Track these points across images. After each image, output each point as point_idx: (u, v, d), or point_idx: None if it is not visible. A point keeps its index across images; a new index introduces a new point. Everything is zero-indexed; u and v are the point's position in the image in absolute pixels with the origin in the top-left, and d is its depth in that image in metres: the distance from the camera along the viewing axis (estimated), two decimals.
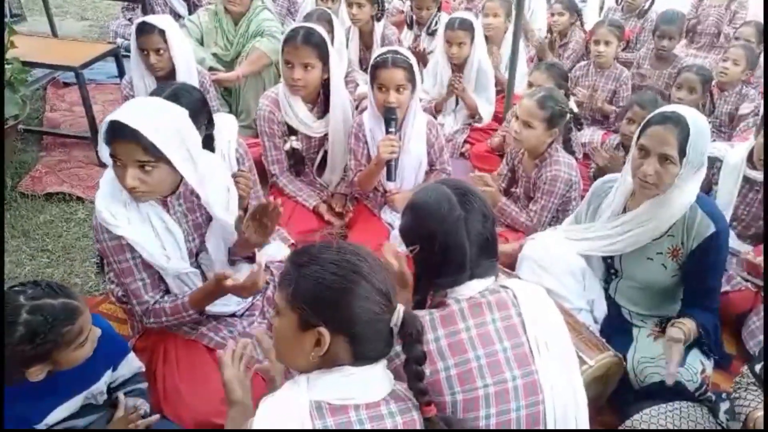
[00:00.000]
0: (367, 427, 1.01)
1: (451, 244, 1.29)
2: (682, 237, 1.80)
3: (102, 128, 1.54)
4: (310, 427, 0.98)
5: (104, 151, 1.57)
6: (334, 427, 0.99)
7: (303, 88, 2.48)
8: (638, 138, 1.77)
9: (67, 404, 1.46)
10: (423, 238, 1.31)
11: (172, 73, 2.60)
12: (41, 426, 1.43)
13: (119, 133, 1.50)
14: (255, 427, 1.01)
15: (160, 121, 1.53)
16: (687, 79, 3.00)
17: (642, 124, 1.78)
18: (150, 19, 2.55)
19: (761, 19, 3.99)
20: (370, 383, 1.06)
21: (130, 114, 1.51)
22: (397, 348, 1.12)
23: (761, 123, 2.21)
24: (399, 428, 1.04)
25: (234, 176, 1.97)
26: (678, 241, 1.81)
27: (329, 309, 1.04)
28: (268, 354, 1.34)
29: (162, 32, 2.51)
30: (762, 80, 3.46)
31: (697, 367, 1.73)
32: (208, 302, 1.73)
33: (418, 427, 1.06)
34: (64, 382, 1.42)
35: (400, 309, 1.07)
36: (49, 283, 1.34)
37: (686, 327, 1.72)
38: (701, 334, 1.75)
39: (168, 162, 1.55)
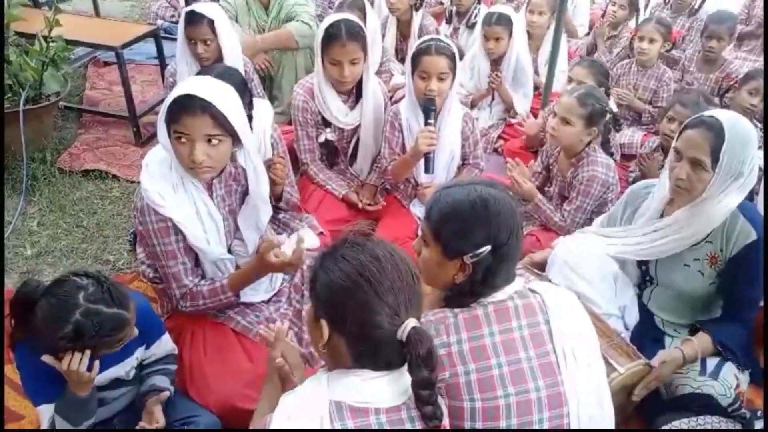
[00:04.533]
0: None
1: (512, 243, 1.25)
2: (720, 243, 1.74)
3: (165, 106, 1.55)
4: (329, 426, 0.98)
5: (163, 131, 1.58)
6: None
7: (351, 82, 2.47)
8: (676, 140, 1.73)
9: (98, 378, 1.49)
10: (489, 237, 1.23)
11: (218, 62, 2.57)
12: None
13: (189, 107, 1.51)
14: (275, 422, 1.02)
15: (227, 96, 1.57)
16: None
17: (681, 127, 1.74)
18: (199, 8, 2.51)
19: None
20: (389, 388, 1.04)
21: (199, 87, 1.54)
22: None
23: None
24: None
25: (270, 162, 1.98)
26: (717, 247, 1.75)
27: (330, 305, 1.05)
28: (278, 349, 1.35)
29: (211, 22, 2.48)
30: None
31: (731, 382, 1.67)
32: (248, 282, 1.75)
33: None
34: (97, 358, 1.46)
35: (408, 325, 1.02)
36: (110, 287, 1.37)
37: (687, 349, 1.68)
38: (719, 351, 1.70)
39: (231, 137, 1.58)
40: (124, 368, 1.55)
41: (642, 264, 1.92)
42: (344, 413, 1.00)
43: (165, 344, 1.67)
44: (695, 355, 1.69)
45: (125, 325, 1.38)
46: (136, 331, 1.45)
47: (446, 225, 1.26)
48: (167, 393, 1.59)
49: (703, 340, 1.72)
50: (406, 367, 1.05)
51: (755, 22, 4.47)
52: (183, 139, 1.54)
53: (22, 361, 1.46)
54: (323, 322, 1.05)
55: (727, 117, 1.65)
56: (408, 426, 1.02)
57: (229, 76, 2.00)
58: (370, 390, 1.03)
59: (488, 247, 1.23)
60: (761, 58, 4.32)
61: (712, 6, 4.03)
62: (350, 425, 0.99)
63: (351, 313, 1.02)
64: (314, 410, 1.00)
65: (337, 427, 0.98)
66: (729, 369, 1.71)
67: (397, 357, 1.04)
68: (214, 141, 1.55)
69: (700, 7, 4.23)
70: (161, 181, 1.63)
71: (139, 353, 1.59)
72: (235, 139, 1.62)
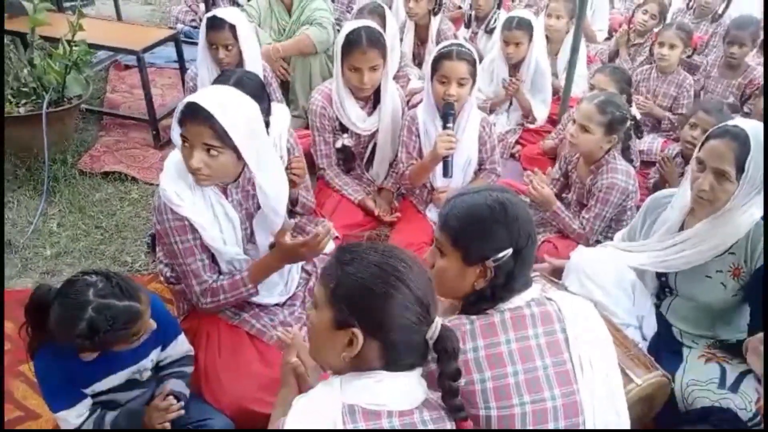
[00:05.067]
0: None
1: (530, 247, 1.25)
2: (744, 255, 1.70)
3: (178, 109, 1.59)
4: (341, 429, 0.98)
5: (175, 132, 1.63)
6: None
7: (370, 89, 2.48)
8: (698, 150, 1.70)
9: (113, 377, 1.52)
10: (511, 240, 1.23)
11: (239, 67, 2.59)
12: (87, 391, 1.50)
13: (193, 114, 1.55)
14: (287, 426, 1.01)
15: (234, 109, 1.58)
16: None
17: (704, 137, 1.71)
18: (220, 13, 2.54)
19: None
20: (403, 391, 1.04)
21: (207, 98, 1.56)
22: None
23: None
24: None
25: (289, 162, 2.01)
26: (740, 259, 1.71)
27: (366, 311, 1.03)
28: (292, 353, 1.36)
29: (232, 27, 2.51)
30: None
31: (752, 396, 1.63)
32: (268, 272, 1.77)
33: None
34: (114, 356, 1.48)
35: (438, 323, 1.04)
36: (119, 282, 1.38)
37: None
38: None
39: (234, 150, 1.60)
40: (139, 369, 1.56)
41: (661, 275, 1.89)
42: (357, 416, 1.00)
43: (181, 345, 1.68)
44: None
45: (138, 317, 1.38)
46: (153, 324, 1.45)
47: (466, 230, 1.25)
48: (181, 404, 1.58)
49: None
50: (419, 370, 1.06)
51: None
52: (186, 144, 1.58)
53: (42, 368, 1.47)
54: (356, 330, 1.02)
55: (751, 126, 1.62)
56: (421, 429, 1.02)
57: (248, 80, 2.03)
58: (384, 392, 1.03)
59: (510, 250, 1.22)
60: None
61: (737, 11, 3.95)
62: (362, 426, 0.99)
63: (393, 316, 1.02)
64: (326, 414, 1.00)
65: (350, 428, 0.98)
66: (750, 382, 1.67)
67: (417, 357, 1.05)
68: (213, 152, 1.57)
69: (723, 12, 4.16)
70: (179, 181, 1.67)
71: (155, 354, 1.60)
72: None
